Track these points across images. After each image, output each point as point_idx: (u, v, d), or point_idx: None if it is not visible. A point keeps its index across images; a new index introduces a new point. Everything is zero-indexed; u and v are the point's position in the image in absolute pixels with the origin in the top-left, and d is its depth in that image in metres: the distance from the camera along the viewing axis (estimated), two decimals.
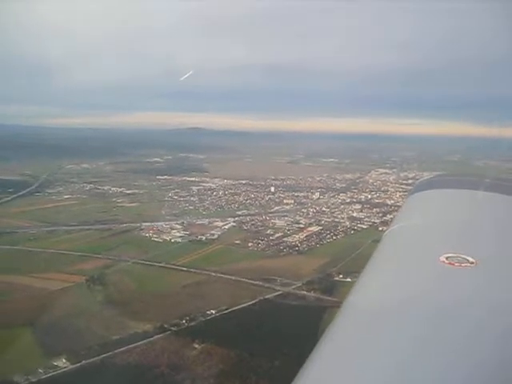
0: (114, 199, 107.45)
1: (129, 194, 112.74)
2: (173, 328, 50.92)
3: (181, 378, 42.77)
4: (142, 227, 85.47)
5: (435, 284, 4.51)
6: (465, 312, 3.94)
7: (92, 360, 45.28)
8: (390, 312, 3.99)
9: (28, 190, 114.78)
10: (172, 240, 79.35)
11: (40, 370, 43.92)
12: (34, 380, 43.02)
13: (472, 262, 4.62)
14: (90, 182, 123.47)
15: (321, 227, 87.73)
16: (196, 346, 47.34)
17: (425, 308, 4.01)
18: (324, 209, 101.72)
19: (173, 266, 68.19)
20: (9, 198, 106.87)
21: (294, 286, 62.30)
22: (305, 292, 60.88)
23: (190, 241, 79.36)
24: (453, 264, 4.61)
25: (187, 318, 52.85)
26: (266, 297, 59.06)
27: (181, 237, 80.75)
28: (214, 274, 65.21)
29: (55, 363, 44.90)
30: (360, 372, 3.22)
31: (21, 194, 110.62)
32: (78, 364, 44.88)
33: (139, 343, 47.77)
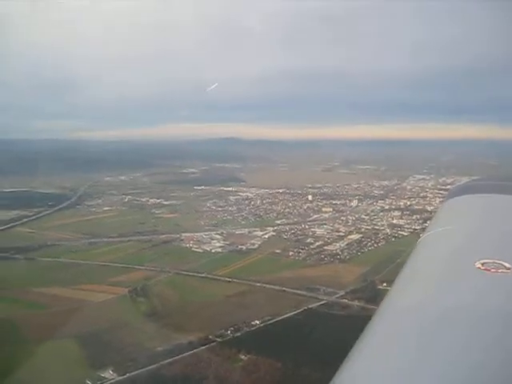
0: (152, 210, 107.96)
1: (167, 204, 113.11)
2: (218, 339, 50.59)
3: None
4: (182, 238, 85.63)
5: (471, 290, 4.51)
6: (501, 318, 3.93)
7: (138, 372, 45.17)
8: (424, 317, 3.99)
9: (68, 202, 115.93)
10: (212, 250, 79.28)
11: (88, 382, 43.92)
12: None
13: (508, 268, 4.61)
14: (129, 194, 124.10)
15: (361, 235, 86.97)
16: (242, 356, 46.98)
17: (459, 313, 3.98)
18: (363, 216, 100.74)
19: (215, 277, 68.03)
20: (49, 211, 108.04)
21: (337, 295, 61.68)
22: (349, 301, 60.13)
23: (230, 251, 79.15)
24: (489, 270, 4.62)
25: (232, 328, 52.51)
26: (310, 306, 58.46)
27: (221, 247, 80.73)
28: (256, 283, 64.90)
29: (102, 375, 44.90)
30: (391, 377, 3.26)
31: (61, 206, 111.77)
32: (125, 376, 44.81)
33: (185, 354, 47.53)
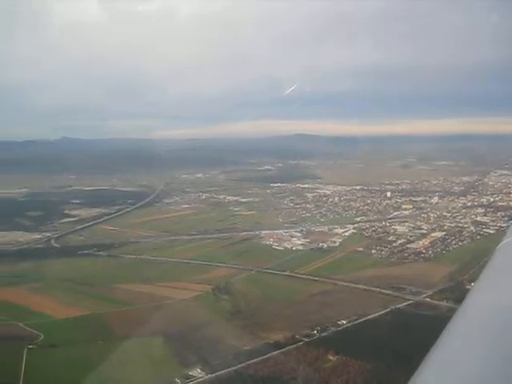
0: (230, 208, 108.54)
1: (244, 202, 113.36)
2: (305, 338, 49.79)
3: None
4: (262, 235, 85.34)
5: None
6: None
7: (227, 370, 44.79)
8: (503, 321, 3.93)
9: (147, 200, 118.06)
10: (293, 248, 78.67)
11: (177, 380, 43.88)
12: None
13: None
14: (206, 192, 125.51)
15: (444, 233, 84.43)
16: (330, 357, 45.99)
17: None
18: (445, 213, 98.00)
19: (297, 275, 67.43)
20: (129, 209, 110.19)
21: (424, 295, 59.87)
22: (437, 301, 58.21)
23: (311, 249, 78.28)
24: None
25: (318, 328, 51.64)
26: (398, 306, 56.93)
27: (302, 244, 79.97)
28: (340, 282, 63.85)
29: (191, 373, 44.74)
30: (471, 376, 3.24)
31: (140, 204, 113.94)
32: (214, 374, 44.52)
33: (272, 354, 46.94)
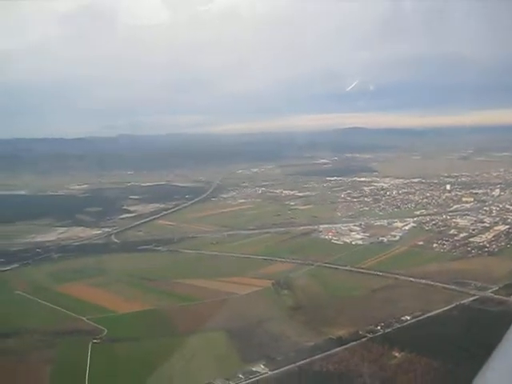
0: (287, 202, 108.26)
1: (301, 196, 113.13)
2: (368, 334, 49.01)
3: None
4: (320, 229, 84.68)
5: None
6: None
7: (290, 367, 44.33)
8: None
9: (204, 195, 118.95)
10: (353, 242, 77.82)
11: (240, 376, 43.67)
12: None
13: None
14: (262, 186, 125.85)
15: (508, 226, 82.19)
16: (396, 354, 45.07)
17: None
18: (508, 206, 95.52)
19: (358, 270, 66.50)
20: (186, 204, 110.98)
21: (490, 290, 58.19)
22: (503, 296, 56.46)
23: (371, 243, 77.29)
24: None
25: (382, 324, 50.77)
26: (463, 302, 55.48)
27: (361, 239, 79.04)
28: (402, 277, 62.69)
29: (254, 369, 44.46)
30: None
31: (197, 199, 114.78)
32: (277, 370, 44.10)
33: (336, 350, 46.31)
